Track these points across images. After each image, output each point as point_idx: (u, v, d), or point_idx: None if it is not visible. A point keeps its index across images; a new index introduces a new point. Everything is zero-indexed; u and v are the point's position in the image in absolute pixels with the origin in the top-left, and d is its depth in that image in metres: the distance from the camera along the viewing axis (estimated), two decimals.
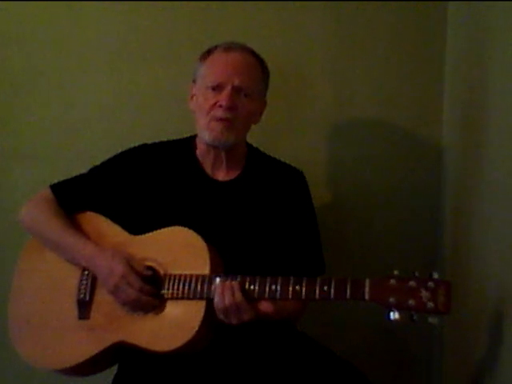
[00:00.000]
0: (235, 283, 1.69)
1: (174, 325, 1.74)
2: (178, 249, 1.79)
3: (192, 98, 1.93)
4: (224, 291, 1.68)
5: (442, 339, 2.32)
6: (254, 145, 2.01)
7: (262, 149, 2.02)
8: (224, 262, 1.80)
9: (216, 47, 1.89)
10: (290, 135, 2.38)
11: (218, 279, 1.71)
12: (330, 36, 2.35)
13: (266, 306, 1.71)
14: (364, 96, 2.37)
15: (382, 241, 2.40)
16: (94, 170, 1.95)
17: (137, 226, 1.87)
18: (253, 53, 1.90)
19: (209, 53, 1.90)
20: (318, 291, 1.65)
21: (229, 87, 1.83)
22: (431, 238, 2.39)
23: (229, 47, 1.87)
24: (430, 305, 1.55)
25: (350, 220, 2.41)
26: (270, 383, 1.75)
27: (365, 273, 1.65)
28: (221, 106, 1.83)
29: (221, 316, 1.70)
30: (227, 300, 1.67)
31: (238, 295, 1.68)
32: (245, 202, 1.90)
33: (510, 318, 1.65)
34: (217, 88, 1.84)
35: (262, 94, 1.94)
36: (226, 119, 1.83)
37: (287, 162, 2.01)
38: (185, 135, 2.00)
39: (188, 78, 1.97)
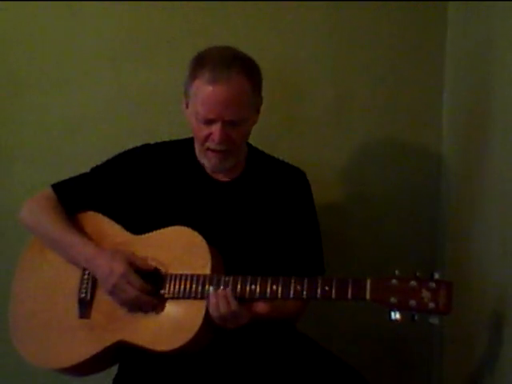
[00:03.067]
0: (228, 291, 1.68)
1: (175, 324, 1.74)
2: (180, 248, 1.79)
3: (187, 106, 1.86)
4: (218, 301, 1.68)
5: (442, 339, 2.32)
6: (254, 145, 2.00)
7: (262, 149, 2.01)
8: (225, 263, 1.79)
9: (203, 66, 1.77)
10: (290, 135, 2.38)
11: (210, 289, 1.70)
12: (330, 36, 2.35)
13: (262, 307, 1.70)
14: (364, 97, 2.37)
15: (383, 241, 2.40)
16: (96, 170, 1.95)
17: (138, 225, 1.87)
18: (237, 69, 1.76)
19: (195, 70, 1.79)
20: (319, 291, 1.64)
21: (219, 122, 1.77)
22: (431, 239, 2.39)
23: (213, 79, 1.74)
24: (431, 305, 1.55)
25: (351, 220, 2.42)
26: (270, 383, 1.75)
27: (366, 273, 1.65)
28: (214, 140, 1.80)
29: (217, 321, 1.70)
30: (222, 309, 1.67)
31: (233, 303, 1.67)
32: (246, 203, 1.90)
33: (510, 318, 1.66)
34: (207, 122, 1.79)
35: (256, 103, 1.86)
36: (220, 151, 1.82)
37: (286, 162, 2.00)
38: (185, 135, 2.00)
39: None
